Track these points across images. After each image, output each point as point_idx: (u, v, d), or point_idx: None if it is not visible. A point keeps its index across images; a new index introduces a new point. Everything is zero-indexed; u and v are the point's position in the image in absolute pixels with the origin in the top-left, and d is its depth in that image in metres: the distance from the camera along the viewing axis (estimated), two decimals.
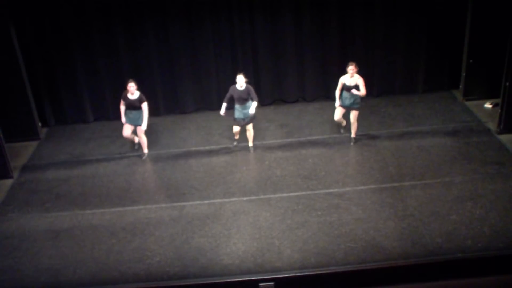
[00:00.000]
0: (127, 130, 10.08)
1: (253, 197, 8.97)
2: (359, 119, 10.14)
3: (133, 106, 9.91)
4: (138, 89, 9.93)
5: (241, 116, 9.92)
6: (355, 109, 9.91)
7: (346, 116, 10.22)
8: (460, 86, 11.75)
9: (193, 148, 10.65)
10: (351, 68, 9.67)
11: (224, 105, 9.93)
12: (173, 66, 11.59)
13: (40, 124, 11.54)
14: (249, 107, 9.85)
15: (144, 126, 9.98)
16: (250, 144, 10.29)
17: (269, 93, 12.07)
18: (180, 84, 11.78)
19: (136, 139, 10.48)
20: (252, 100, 9.85)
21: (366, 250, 7.55)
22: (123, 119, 10.09)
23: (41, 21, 10.97)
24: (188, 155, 10.42)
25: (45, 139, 11.45)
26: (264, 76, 11.87)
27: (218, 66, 11.68)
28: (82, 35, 11.15)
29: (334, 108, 10.12)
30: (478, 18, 10.81)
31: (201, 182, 9.47)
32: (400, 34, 11.57)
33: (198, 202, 8.93)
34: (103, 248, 8.00)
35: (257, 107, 11.78)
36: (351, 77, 9.72)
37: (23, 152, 10.89)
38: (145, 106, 9.92)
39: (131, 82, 9.87)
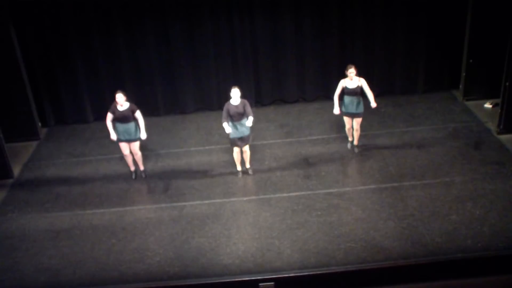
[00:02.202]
0: (126, 149, 9.37)
1: (253, 197, 8.97)
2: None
3: (126, 118, 9.08)
4: (128, 99, 9.22)
5: (237, 135, 9.14)
6: (358, 116, 9.56)
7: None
8: (460, 86, 11.75)
9: (193, 148, 10.65)
10: (351, 71, 9.27)
11: (226, 124, 9.07)
12: (173, 66, 11.59)
13: (40, 124, 11.54)
14: (244, 124, 9.12)
15: (143, 135, 9.25)
16: (248, 165, 9.57)
17: (269, 93, 12.08)
18: (180, 84, 11.78)
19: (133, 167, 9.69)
20: (248, 115, 9.10)
21: (366, 250, 7.54)
22: (113, 135, 9.23)
23: (41, 21, 10.97)
24: (188, 155, 10.42)
25: (45, 139, 11.45)
26: (264, 76, 11.87)
27: (218, 66, 11.68)
28: (82, 35, 11.15)
29: (334, 108, 10.08)
30: (478, 18, 10.80)
31: (201, 182, 9.47)
32: (400, 34, 11.57)
33: (198, 202, 8.93)
34: (103, 248, 8.00)
35: (257, 107, 11.88)
36: (351, 80, 9.37)
37: (23, 152, 10.89)
38: (138, 114, 9.18)
39: (119, 92, 9.07)
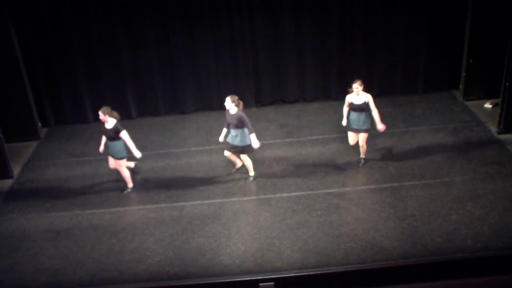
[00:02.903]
0: (111, 163, 9.16)
1: (253, 197, 8.97)
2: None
3: (109, 137, 8.80)
4: (114, 115, 8.74)
5: (230, 141, 9.02)
6: (364, 131, 9.30)
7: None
8: (460, 86, 11.75)
9: (193, 148, 10.65)
10: (356, 86, 8.97)
11: (224, 130, 9.10)
12: (173, 66, 11.59)
13: (40, 124, 11.54)
14: (242, 136, 8.87)
15: (137, 153, 8.86)
16: (250, 173, 9.38)
17: (269, 93, 12.08)
18: (180, 84, 11.78)
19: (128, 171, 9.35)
20: (249, 130, 8.84)
21: (366, 250, 7.54)
22: (101, 147, 9.17)
23: (41, 21, 10.97)
24: (188, 155, 10.42)
25: (45, 139, 11.45)
26: (264, 76, 11.87)
27: (218, 66, 11.68)
28: (82, 35, 11.15)
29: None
30: (478, 18, 10.81)
31: (201, 182, 9.47)
32: (400, 34, 11.57)
33: (198, 202, 8.93)
34: (103, 248, 8.00)
35: (257, 107, 11.87)
36: (357, 95, 9.06)
37: (23, 152, 10.89)
38: (124, 134, 8.72)
39: (100, 110, 8.65)
